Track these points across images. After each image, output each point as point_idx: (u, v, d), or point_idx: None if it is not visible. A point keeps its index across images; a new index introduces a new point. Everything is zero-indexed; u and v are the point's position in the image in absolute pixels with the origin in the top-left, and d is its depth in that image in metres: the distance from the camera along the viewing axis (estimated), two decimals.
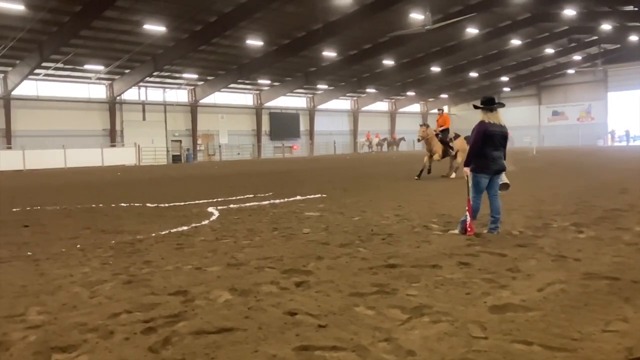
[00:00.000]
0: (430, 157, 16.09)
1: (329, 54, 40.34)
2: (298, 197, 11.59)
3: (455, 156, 16.13)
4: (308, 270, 4.96)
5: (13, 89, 35.68)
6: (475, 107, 6.73)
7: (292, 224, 7.90)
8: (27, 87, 36.77)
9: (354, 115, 60.59)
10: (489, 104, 6.55)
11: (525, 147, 43.97)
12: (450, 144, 16.12)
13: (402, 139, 59.90)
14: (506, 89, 64.33)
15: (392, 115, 65.79)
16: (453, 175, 15.83)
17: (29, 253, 6.13)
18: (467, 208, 6.46)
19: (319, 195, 12.01)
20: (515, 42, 45.07)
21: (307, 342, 3.20)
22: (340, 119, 59.29)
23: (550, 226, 7.01)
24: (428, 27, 28.16)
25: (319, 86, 52.42)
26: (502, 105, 6.92)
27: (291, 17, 32.60)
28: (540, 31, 44.51)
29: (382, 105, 64.73)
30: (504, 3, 34.74)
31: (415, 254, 5.54)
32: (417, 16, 31.82)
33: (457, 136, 16.38)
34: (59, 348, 3.17)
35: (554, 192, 11.27)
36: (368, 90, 56.86)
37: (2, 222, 8.97)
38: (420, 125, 16.54)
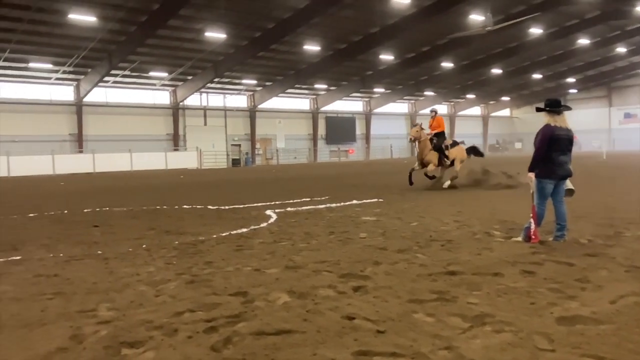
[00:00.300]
0: (423, 165, 14.27)
1: (386, 57, 40.10)
2: (354, 202, 11.56)
3: (451, 164, 14.50)
4: (365, 275, 4.93)
5: (84, 96, 37.80)
6: (539, 109, 6.49)
7: (348, 228, 7.89)
8: (97, 94, 38.82)
9: (412, 118, 59.84)
10: (555, 107, 6.29)
11: (594, 152, 41.90)
12: (446, 152, 14.39)
13: (462, 142, 58.51)
14: (573, 91, 61.61)
15: (451, 119, 64.48)
16: (446, 184, 14.19)
17: (99, 252, 6.44)
18: (531, 215, 6.23)
19: (376, 199, 11.94)
20: (584, 41, 43.03)
21: (366, 348, 3.18)
22: (397, 123, 58.78)
23: (622, 235, 6.63)
24: (489, 28, 27.47)
25: (375, 90, 52.22)
26: (569, 108, 6.63)
27: (348, 21, 32.70)
28: (611, 29, 42.27)
29: (441, 109, 63.51)
30: (571, 1, 33.29)
31: (476, 261, 5.39)
32: (477, 17, 31.09)
33: (455, 143, 14.98)
34: (128, 343, 3.31)
35: (626, 199, 10.65)
36: (426, 93, 56.09)
37: (74, 222, 9.50)
38: (414, 126, 14.79)
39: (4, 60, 31.76)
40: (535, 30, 37.49)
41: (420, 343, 3.22)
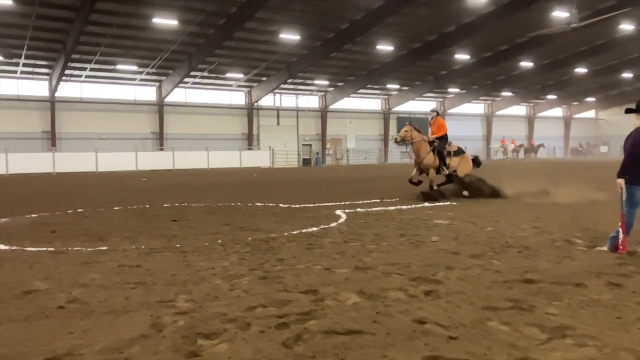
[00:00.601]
0: (421, 172, 12.62)
1: (462, 56, 39.09)
2: (426, 204, 11.36)
3: (448, 176, 12.78)
4: (437, 280, 4.83)
5: (166, 96, 39.72)
6: (629, 111, 6.06)
7: (419, 231, 7.76)
8: (177, 95, 40.67)
9: (488, 119, 58.00)
10: None
11: None
12: (448, 160, 12.65)
13: (542, 145, 55.96)
14: None
15: (530, 120, 61.82)
16: (465, 192, 12.41)
17: (177, 245, 6.74)
18: (619, 223, 5.85)
19: (448, 202, 11.67)
20: None
21: (437, 353, 3.11)
22: (472, 124, 57.12)
23: None
24: (574, 25, 26.03)
25: (450, 90, 51.04)
26: None
27: (423, 20, 32.17)
28: None
29: (519, 110, 61.11)
30: None
31: (555, 270, 5.13)
32: (560, 14, 29.58)
33: (459, 151, 13.01)
34: (203, 335, 3.44)
35: None
36: (503, 93, 54.10)
37: (155, 216, 10.01)
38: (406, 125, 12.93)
39: (94, 63, 34.04)
40: (626, 27, 35.08)
41: (494, 352, 3.12)
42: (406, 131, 12.63)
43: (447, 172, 12.71)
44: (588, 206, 10.44)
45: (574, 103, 62.54)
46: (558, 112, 64.39)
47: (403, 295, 4.33)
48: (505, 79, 48.03)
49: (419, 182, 12.89)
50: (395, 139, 12.93)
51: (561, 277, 4.86)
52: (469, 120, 56.80)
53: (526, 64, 43.36)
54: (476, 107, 57.83)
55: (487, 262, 5.56)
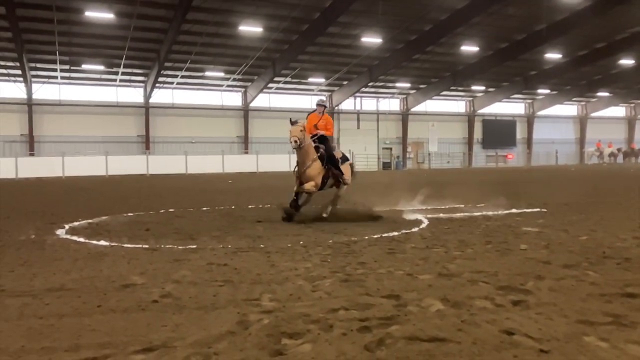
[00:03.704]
0: (301, 183, 9.54)
1: (553, 55, 37.15)
2: (514, 210, 10.89)
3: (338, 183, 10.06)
4: (526, 290, 4.60)
5: (251, 101, 41.10)
6: None
7: (507, 238, 7.44)
8: (262, 100, 41.95)
9: (581, 121, 54.61)
10: None
11: None
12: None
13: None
14: None
15: (631, 122, 57.45)
16: (325, 214, 9.98)
17: (262, 245, 6.94)
18: None
19: (538, 209, 11.10)
20: None
21: None
22: (563, 126, 54.05)
23: None
24: None
25: (539, 91, 48.66)
26: None
27: (511, 19, 30.94)
28: None
29: (618, 111, 56.99)
30: None
31: None
32: None
33: (344, 159, 10.36)
34: (287, 334, 3.51)
35: None
36: (600, 94, 50.75)
37: (241, 216, 10.38)
38: (293, 123, 9.25)
39: (185, 70, 35.94)
40: None
41: None
42: (301, 131, 9.24)
43: (349, 182, 10.26)
44: None
45: None
46: None
47: (490, 305, 4.17)
48: (602, 78, 45.06)
49: (299, 207, 9.84)
50: (295, 141, 9.13)
51: None
52: (561, 123, 53.83)
53: (627, 62, 40.39)
54: (569, 109, 54.68)
55: (581, 273, 5.23)
